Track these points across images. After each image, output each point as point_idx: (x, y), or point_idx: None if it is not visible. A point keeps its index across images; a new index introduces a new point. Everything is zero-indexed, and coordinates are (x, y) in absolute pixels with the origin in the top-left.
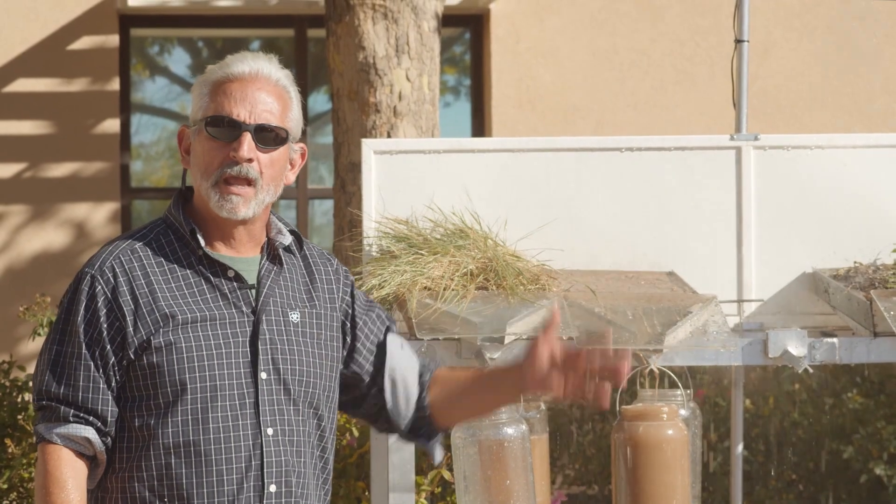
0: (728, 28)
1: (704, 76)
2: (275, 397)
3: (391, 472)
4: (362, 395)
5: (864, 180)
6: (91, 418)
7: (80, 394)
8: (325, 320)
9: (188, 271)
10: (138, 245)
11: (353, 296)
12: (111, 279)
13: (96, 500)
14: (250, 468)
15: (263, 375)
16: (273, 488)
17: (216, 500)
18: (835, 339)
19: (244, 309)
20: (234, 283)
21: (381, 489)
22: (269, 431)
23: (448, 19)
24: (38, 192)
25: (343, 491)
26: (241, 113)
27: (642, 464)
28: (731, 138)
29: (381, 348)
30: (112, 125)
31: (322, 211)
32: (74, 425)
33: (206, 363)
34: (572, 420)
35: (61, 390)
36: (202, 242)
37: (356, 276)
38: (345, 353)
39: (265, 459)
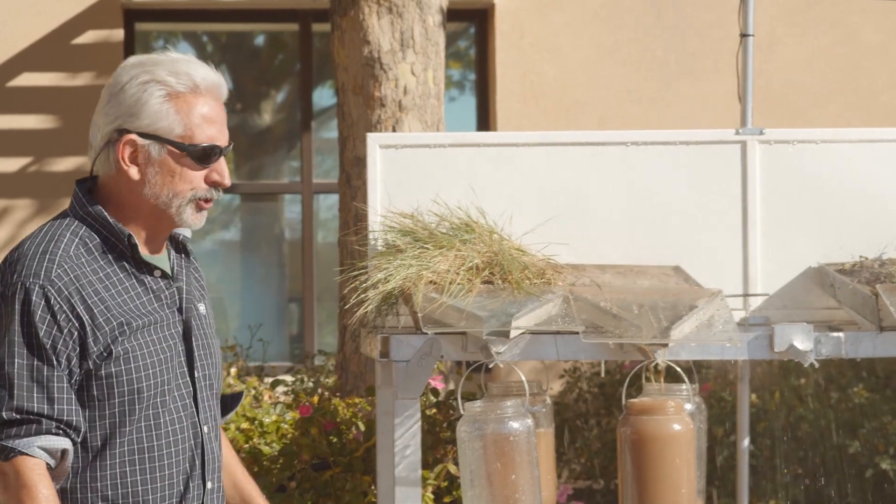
0: (732, 23)
1: (708, 71)
2: (206, 393)
3: (397, 466)
4: None
5: (869, 175)
6: (69, 430)
7: (56, 406)
8: (211, 310)
9: (122, 275)
10: (72, 251)
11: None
12: (63, 288)
13: None
14: (194, 467)
15: (198, 373)
16: (210, 485)
17: (169, 502)
18: (841, 334)
19: (173, 308)
20: (161, 283)
21: (387, 483)
22: (205, 429)
23: (453, 14)
24: (42, 186)
25: (349, 485)
26: (221, 138)
27: (648, 458)
28: (737, 133)
29: None
30: None
31: (327, 205)
32: (54, 437)
33: (157, 369)
34: (578, 414)
35: (34, 405)
36: (140, 248)
37: (362, 271)
38: None
39: (206, 457)
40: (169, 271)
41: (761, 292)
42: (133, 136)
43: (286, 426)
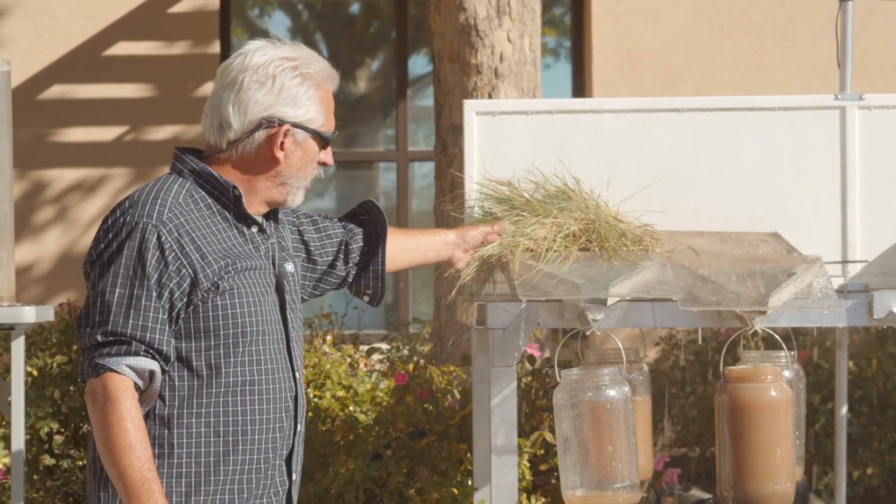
0: None
1: (804, 36)
2: (296, 344)
3: (493, 434)
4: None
5: None
6: (157, 356)
7: (148, 334)
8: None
9: (225, 224)
10: (181, 199)
11: (299, 228)
12: (174, 229)
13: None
14: (289, 409)
15: (290, 323)
16: (300, 427)
17: (266, 436)
18: None
19: (268, 261)
20: (258, 237)
21: (483, 451)
22: (298, 375)
23: None
24: (139, 155)
25: (445, 453)
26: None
27: (745, 425)
28: (836, 98)
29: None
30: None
31: (422, 174)
32: (143, 358)
33: (258, 308)
34: (674, 382)
35: (128, 330)
36: (244, 203)
37: None
38: (321, 275)
39: (298, 400)
40: (265, 228)
41: (860, 259)
42: (289, 127)
43: (381, 394)
